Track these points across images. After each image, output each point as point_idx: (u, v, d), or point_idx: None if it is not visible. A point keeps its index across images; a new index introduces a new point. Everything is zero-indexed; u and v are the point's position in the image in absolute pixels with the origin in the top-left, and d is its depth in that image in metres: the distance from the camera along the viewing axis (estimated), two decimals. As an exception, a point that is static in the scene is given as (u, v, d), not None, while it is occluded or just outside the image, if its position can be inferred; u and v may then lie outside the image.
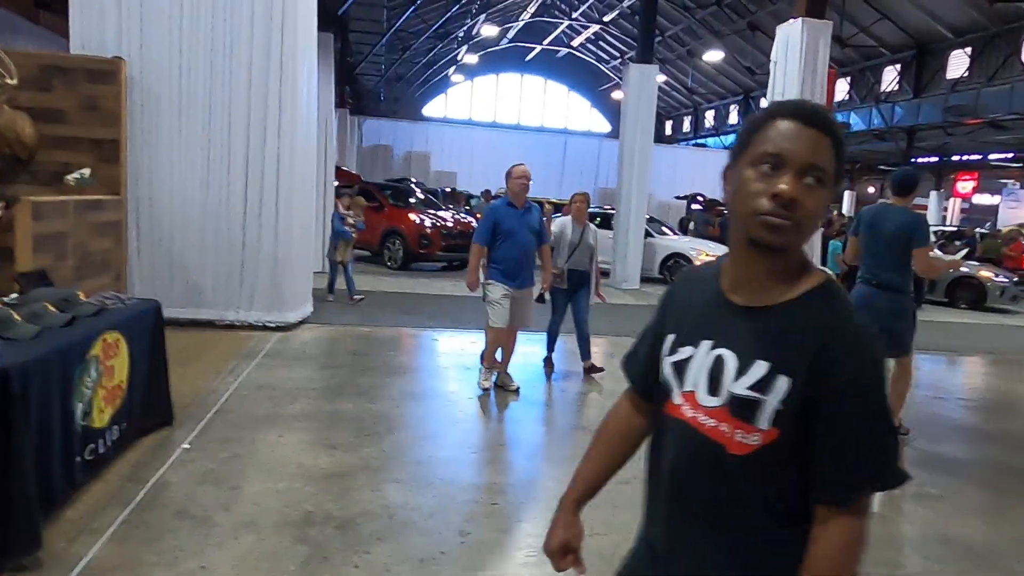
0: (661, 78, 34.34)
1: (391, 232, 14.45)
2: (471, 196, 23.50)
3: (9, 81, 6.47)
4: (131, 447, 4.23)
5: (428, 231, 14.30)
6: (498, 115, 43.01)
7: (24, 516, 2.87)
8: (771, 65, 8.84)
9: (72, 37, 7.30)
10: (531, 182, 5.98)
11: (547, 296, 6.60)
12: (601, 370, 6.78)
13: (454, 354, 7.44)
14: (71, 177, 6.99)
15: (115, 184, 7.21)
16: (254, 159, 7.58)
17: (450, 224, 15.01)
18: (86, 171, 7.07)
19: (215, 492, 3.77)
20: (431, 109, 42.41)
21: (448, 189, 25.21)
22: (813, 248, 8.70)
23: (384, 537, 3.42)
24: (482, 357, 6.32)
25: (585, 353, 6.84)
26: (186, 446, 4.36)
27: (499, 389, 6.08)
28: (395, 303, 10.19)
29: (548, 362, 6.99)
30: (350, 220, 9.98)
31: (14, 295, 4.04)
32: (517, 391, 6.04)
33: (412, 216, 14.54)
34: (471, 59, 34.74)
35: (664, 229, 16.78)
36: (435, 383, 6.24)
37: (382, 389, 5.90)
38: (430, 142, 32.98)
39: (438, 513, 3.71)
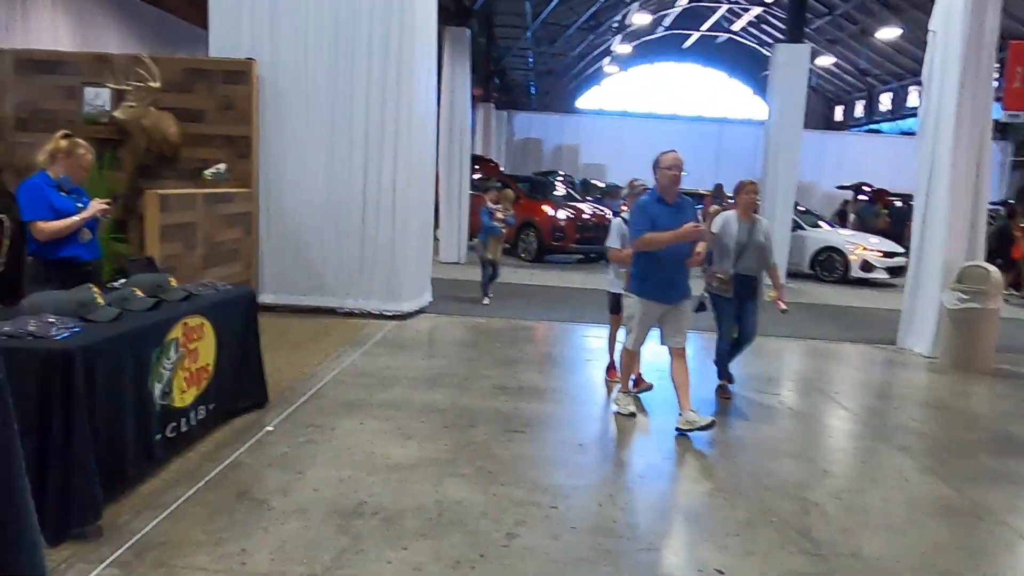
0: (829, 60, 32.13)
1: (525, 224, 14.44)
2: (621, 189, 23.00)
3: (153, 84, 7.04)
4: (219, 427, 4.43)
5: (562, 223, 14.16)
6: (653, 105, 41.99)
7: (84, 488, 3.04)
8: (928, 36, 7.86)
9: (212, 41, 7.84)
10: (684, 172, 4.90)
11: (707, 304, 5.70)
12: (727, 396, 5.73)
13: (565, 349, 7.26)
14: (208, 172, 7.51)
15: (247, 178, 7.67)
16: (372, 154, 7.79)
17: (587, 216, 14.78)
18: (222, 166, 7.57)
19: (280, 476, 3.85)
20: (584, 101, 42.15)
21: (598, 182, 24.79)
22: None
23: (427, 534, 3.32)
24: (608, 369, 6.02)
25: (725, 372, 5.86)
26: (270, 429, 4.51)
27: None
28: (519, 295, 10.14)
29: (722, 391, 5.82)
30: (499, 215, 9.44)
31: (122, 280, 4.35)
32: (711, 425, 4.73)
33: (546, 208, 14.45)
34: (624, 49, 34.13)
35: (820, 222, 15.61)
36: (534, 377, 6.09)
37: (476, 381, 5.83)
38: (580, 134, 32.80)
39: (491, 513, 3.56)
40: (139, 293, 3.91)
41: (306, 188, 7.88)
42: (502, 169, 19.25)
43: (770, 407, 5.66)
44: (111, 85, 7.22)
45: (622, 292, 5.37)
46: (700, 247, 4.86)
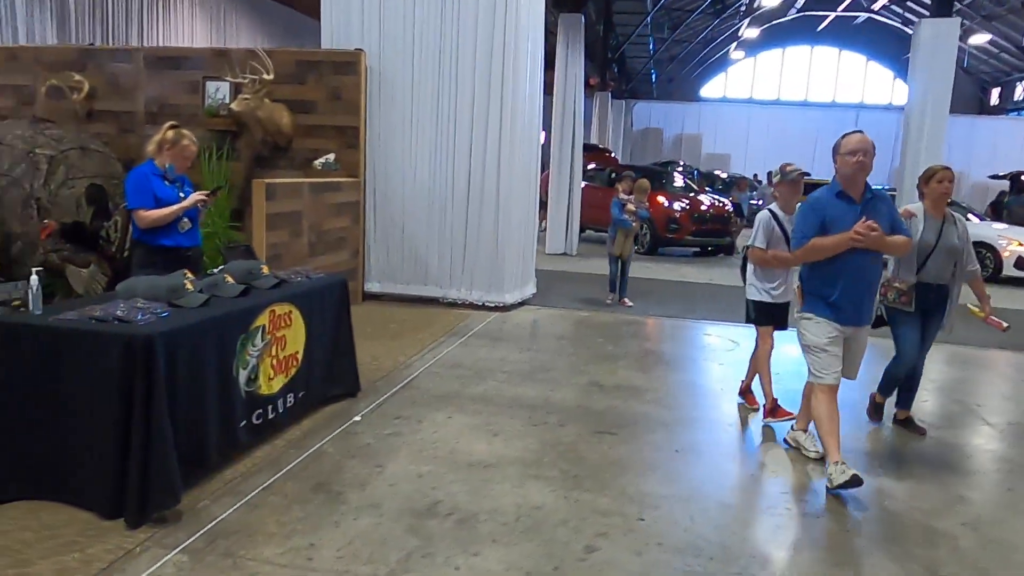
0: (984, 37, 29.32)
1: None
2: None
3: (266, 77, 7.23)
4: (309, 415, 4.43)
5: (677, 215, 13.62)
6: (783, 92, 39.88)
7: (162, 473, 3.06)
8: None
9: (323, 32, 7.97)
10: (871, 159, 3.74)
11: (884, 319, 4.64)
12: (921, 432, 4.78)
13: (671, 346, 6.88)
14: (318, 162, 7.66)
15: (355, 168, 7.76)
16: (476, 143, 7.68)
17: (704, 207, 14.15)
18: (331, 156, 7.70)
19: (359, 468, 3.78)
20: (709, 90, 40.60)
21: (720, 172, 23.78)
22: None
23: (501, 540, 3.13)
24: (744, 393, 5.17)
25: (906, 400, 4.90)
26: (357, 419, 4.47)
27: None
28: (635, 288, 9.77)
29: (908, 424, 4.86)
30: (631, 206, 8.52)
31: (221, 266, 4.43)
32: (856, 482, 3.65)
33: (661, 199, 13.92)
34: (752, 33, 32.57)
35: (969, 215, 14.23)
36: (633, 376, 5.78)
37: (572, 377, 5.60)
38: (702, 123, 31.79)
39: (571, 521, 3.33)
40: (229, 280, 3.94)
41: (411, 177, 7.89)
42: (617, 159, 18.76)
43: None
44: (229, 79, 7.48)
45: (770, 300, 4.77)
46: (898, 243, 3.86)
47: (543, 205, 16.03)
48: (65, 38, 12.19)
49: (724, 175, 23.50)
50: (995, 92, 36.17)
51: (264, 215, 6.05)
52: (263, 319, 3.89)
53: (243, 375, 3.75)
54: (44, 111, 7.93)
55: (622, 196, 8.62)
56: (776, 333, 4.93)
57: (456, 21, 7.60)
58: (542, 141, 8.95)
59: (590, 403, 5.03)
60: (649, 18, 20.24)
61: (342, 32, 7.86)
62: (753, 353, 5.09)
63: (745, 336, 7.46)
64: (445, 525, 3.24)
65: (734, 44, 36.40)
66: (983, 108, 35.65)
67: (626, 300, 8.59)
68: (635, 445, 4.33)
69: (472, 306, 7.87)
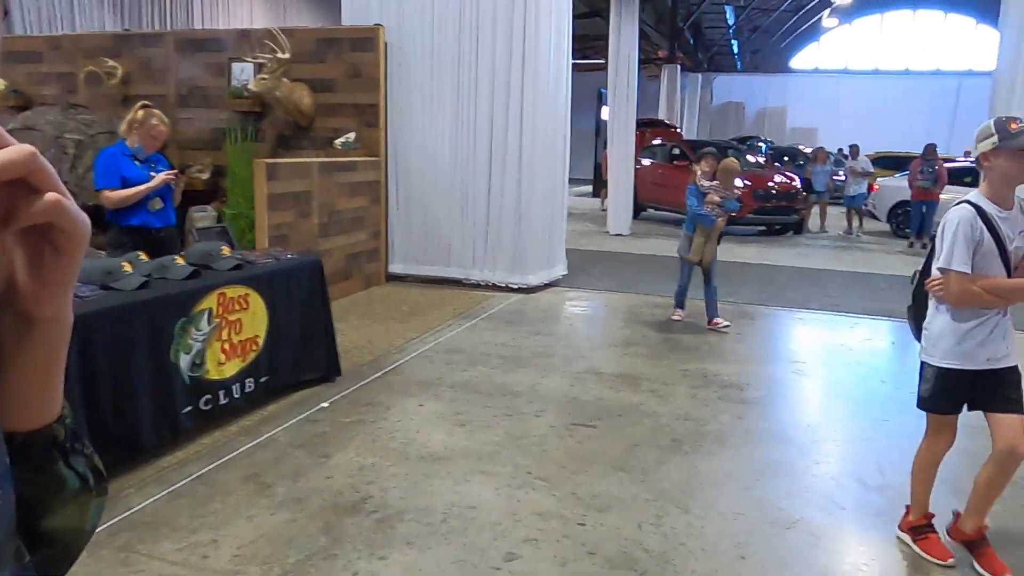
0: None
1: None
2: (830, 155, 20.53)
3: (281, 56, 7.14)
4: (275, 400, 4.31)
5: (738, 192, 12.86)
6: (881, 61, 37.44)
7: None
8: None
9: (344, 8, 7.82)
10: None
11: None
12: None
13: (695, 332, 6.40)
14: (338, 142, 7.55)
15: (375, 146, 7.61)
16: (497, 120, 7.39)
17: (770, 185, 13.35)
18: (351, 135, 7.57)
19: (303, 458, 3.61)
20: (800, 60, 38.54)
21: (803, 147, 22.44)
22: None
23: (417, 542, 2.89)
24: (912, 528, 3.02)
25: None
26: (324, 405, 4.31)
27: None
28: (671, 269, 9.26)
29: None
30: (714, 196, 6.27)
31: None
32: None
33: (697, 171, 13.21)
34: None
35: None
36: (637, 363, 5.39)
37: (571, 363, 5.28)
38: (787, 96, 30.24)
39: (503, 523, 3.05)
40: (180, 262, 3.83)
41: (432, 156, 7.68)
42: (681, 134, 18.01)
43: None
44: (249, 59, 7.45)
45: (972, 367, 2.71)
46: None
47: (604, 184, 15.61)
48: (121, 24, 12.55)
49: (808, 150, 22.18)
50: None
51: (265, 195, 5.96)
52: (208, 302, 3.76)
53: (185, 360, 3.64)
54: (85, 98, 8.15)
55: (702, 182, 6.29)
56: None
57: (475, -9, 7.31)
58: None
59: (579, 392, 4.70)
60: (722, -15, 19.19)
61: (361, 8, 7.69)
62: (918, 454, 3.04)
63: (774, 322, 6.90)
64: (364, 524, 3.02)
65: (827, 11, 34.36)
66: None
67: (719, 321, 6.36)
68: (610, 440, 3.98)
69: (495, 287, 7.62)
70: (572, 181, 24.42)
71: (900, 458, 3.86)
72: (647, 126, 17.02)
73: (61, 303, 0.52)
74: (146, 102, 4.61)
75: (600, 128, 18.76)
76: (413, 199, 7.80)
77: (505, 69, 7.30)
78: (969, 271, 2.58)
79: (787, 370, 5.37)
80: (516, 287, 7.58)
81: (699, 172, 6.41)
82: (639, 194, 15.05)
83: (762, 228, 13.59)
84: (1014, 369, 2.73)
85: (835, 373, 5.42)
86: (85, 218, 0.50)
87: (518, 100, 7.30)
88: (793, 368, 5.42)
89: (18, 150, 0.46)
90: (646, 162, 14.97)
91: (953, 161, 14.76)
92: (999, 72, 10.82)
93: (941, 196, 12.07)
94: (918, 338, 2.92)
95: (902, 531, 3.03)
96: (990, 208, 2.60)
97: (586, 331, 6.38)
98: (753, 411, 4.48)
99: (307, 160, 6.78)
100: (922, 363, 2.84)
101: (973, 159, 2.69)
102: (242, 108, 7.74)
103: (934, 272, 2.74)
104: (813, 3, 33.96)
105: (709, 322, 6.39)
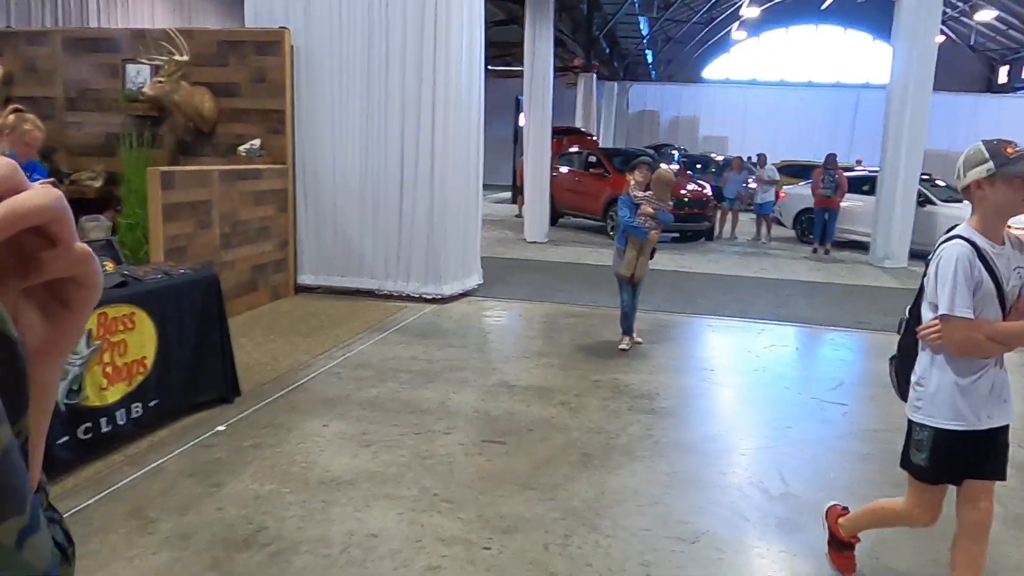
0: (991, 14, 28.43)
1: (614, 200, 13.46)
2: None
3: (179, 57, 6.81)
4: (166, 425, 4.05)
5: (651, 199, 13.09)
6: (787, 73, 39.04)
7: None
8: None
9: (247, 10, 7.54)
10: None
11: None
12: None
13: (606, 339, 6.42)
14: (242, 148, 7.25)
15: (281, 153, 7.34)
16: (408, 127, 7.25)
17: (683, 192, 13.63)
18: (256, 142, 7.29)
19: (193, 488, 3.39)
20: (712, 71, 39.76)
21: (717, 156, 23.02)
22: None
23: (312, 577, 2.74)
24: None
25: None
26: (220, 428, 4.08)
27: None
28: (589, 277, 9.35)
29: None
30: (648, 208, 5.81)
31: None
32: None
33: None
34: (753, 12, 31.80)
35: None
36: (551, 375, 5.36)
37: (483, 377, 5.19)
38: (699, 105, 31.11)
39: (404, 552, 2.93)
40: (55, 279, 3.54)
41: (342, 164, 7.47)
42: (597, 141, 18.24)
43: (831, 419, 4.64)
44: (144, 61, 7.07)
45: (968, 428, 2.35)
46: None
47: (520, 191, 15.63)
48: (6, 21, 11.78)
49: (720, 158, 22.85)
50: (1003, 70, 35.20)
51: (160, 205, 5.65)
52: (87, 323, 3.49)
53: (60, 386, 3.36)
54: (-36, 98, 7.56)
55: (635, 193, 5.85)
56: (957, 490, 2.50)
57: (385, -1, 7.16)
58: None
59: (490, 407, 4.62)
60: (636, -4, 19.58)
61: (265, 9, 7.42)
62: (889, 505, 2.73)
63: (685, 330, 7.01)
64: (255, 559, 2.85)
65: (736, 24, 35.61)
66: (991, 87, 34.73)
67: (630, 337, 6.12)
68: (519, 457, 3.91)
69: (408, 298, 7.47)
70: (491, 187, 24.47)
71: (801, 466, 3.95)
72: (564, 133, 17.14)
73: (59, 367, 0.47)
74: (18, 106, 4.27)
75: (519, 134, 18.80)
76: (323, 208, 7.57)
77: (416, 77, 7.18)
78: (972, 316, 2.24)
79: (696, 378, 5.43)
80: (430, 298, 7.46)
81: (632, 182, 5.96)
82: (556, 201, 15.15)
83: (675, 235, 13.88)
84: (1006, 429, 2.42)
85: (742, 380, 5.52)
86: (101, 274, 0.45)
87: (430, 108, 7.18)
88: (702, 376, 5.49)
89: (46, 194, 0.40)
90: (564, 169, 15.08)
91: (851, 170, 15.49)
92: (892, 85, 11.43)
93: (842, 204, 12.65)
94: (902, 395, 2.57)
95: (827, 519, 2.95)
96: (983, 243, 2.29)
97: (500, 342, 6.32)
98: (662, 422, 4.50)
99: (206, 168, 6.47)
100: (913, 424, 2.45)
101: (959, 188, 2.37)
102: (138, 112, 7.34)
103: (926, 317, 2.39)
104: (723, 16, 35.18)
105: (624, 337, 6.15)
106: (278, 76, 7.23)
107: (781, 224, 14.79)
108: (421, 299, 7.45)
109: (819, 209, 12.73)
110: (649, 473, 3.77)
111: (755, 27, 36.75)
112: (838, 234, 12.97)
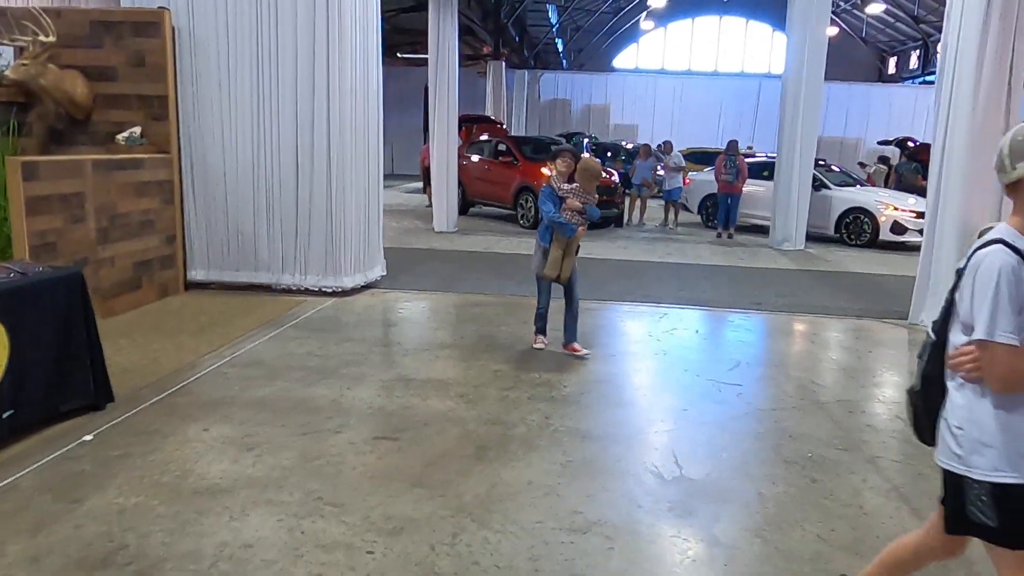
0: (879, 8, 29.84)
1: (524, 188, 13.47)
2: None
3: (44, 39, 6.31)
4: (24, 437, 3.72)
5: (562, 187, 13.10)
6: (693, 63, 40.04)
7: None
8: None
9: (123, -12, 7.06)
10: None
11: None
12: None
13: (516, 329, 6.33)
14: (121, 136, 6.80)
15: (164, 141, 6.93)
16: (303, 114, 6.96)
17: (591, 179, 13.70)
18: (136, 130, 6.85)
19: (49, 506, 3.11)
20: (622, 60, 40.33)
21: (628, 144, 23.29)
22: None
23: (175, 597, 2.54)
24: None
25: None
26: (87, 438, 3.78)
27: None
28: (494, 266, 9.26)
29: None
30: (574, 202, 5.31)
31: None
32: None
33: (546, 171, 13.40)
34: (659, 3, 32.35)
35: (853, 179, 14.28)
36: (450, 367, 5.24)
37: (381, 371, 5.02)
38: (610, 95, 31.42)
39: (282, 561, 2.75)
40: None
41: (233, 152, 7.11)
42: (507, 129, 18.17)
43: (726, 399, 4.70)
44: (6, 42, 6.51)
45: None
46: None
47: (428, 181, 15.39)
48: None
49: (630, 145, 23.17)
50: (892, 61, 37.11)
51: (22, 199, 5.20)
52: (-80, 328, 3.15)
53: None
54: None
55: (561, 185, 5.35)
56: None
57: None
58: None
59: (386, 402, 4.46)
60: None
61: (144, -13, 6.97)
62: None
63: (591, 317, 6.99)
64: (114, 580, 2.62)
65: (644, 14, 36.19)
66: (881, 76, 36.54)
67: (576, 346, 5.52)
68: (412, 453, 3.77)
69: (308, 292, 7.19)
70: (402, 177, 24.06)
71: (695, 448, 3.96)
72: (473, 122, 16.98)
73: None
74: None
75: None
76: (213, 200, 7.19)
77: (309, 62, 6.88)
78: (1017, 343, 1.80)
79: (598, 364, 5.41)
80: (330, 291, 7.20)
81: (554, 173, 5.41)
82: (467, 190, 15.00)
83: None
84: None
85: (642, 365, 5.54)
86: None
87: (324, 95, 6.90)
88: (603, 362, 5.47)
89: None
90: (475, 158, 14.92)
91: (752, 156, 15.96)
92: (787, 75, 11.78)
93: (744, 189, 13.02)
94: (923, 435, 2.13)
95: None
96: None
97: (401, 335, 6.15)
98: (561, 410, 4.45)
99: (77, 157, 6.02)
100: (955, 477, 1.95)
101: (1005, 183, 1.91)
102: (1, 98, 6.76)
103: (956, 341, 1.95)
104: (630, 6, 35.68)
105: (565, 345, 5.54)
106: (159, 59, 6.81)
107: (688, 210, 15.09)
108: (321, 293, 7.19)
109: (722, 195, 13.06)
110: (544, 463, 3.70)
111: (662, 18, 37.49)
112: (741, 218, 13.34)
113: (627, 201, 14.76)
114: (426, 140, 15.72)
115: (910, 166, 16.48)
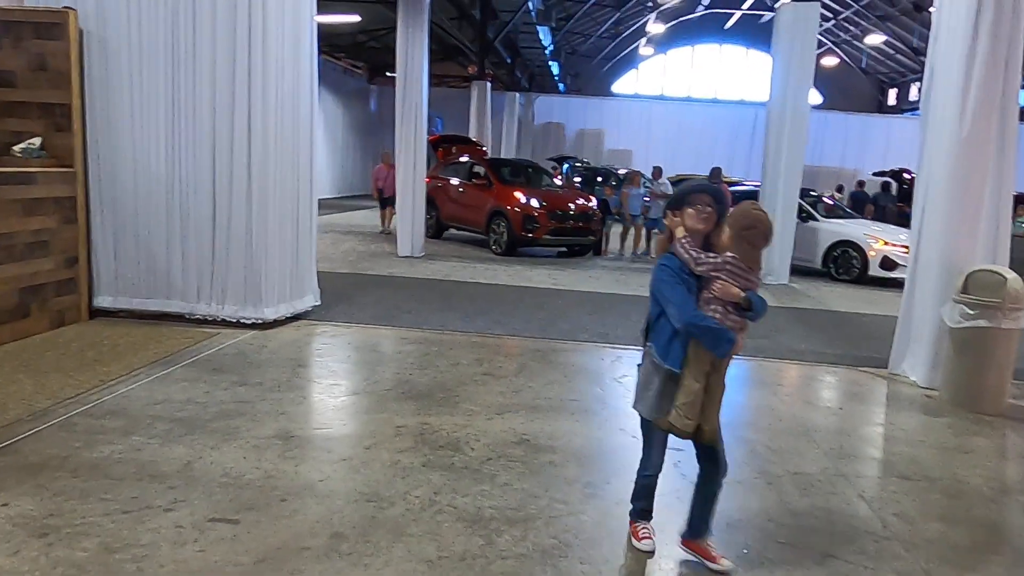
0: (879, 39, 29.45)
1: (496, 213, 12.83)
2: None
3: (-75, 37, 5.67)
4: None
5: (535, 212, 12.47)
6: (692, 89, 39.74)
7: None
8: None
9: (26, -14, 6.45)
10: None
11: None
12: None
13: (444, 373, 5.61)
14: (18, 148, 6.18)
15: (68, 155, 6.28)
16: (221, 127, 6.33)
17: (566, 205, 13.05)
18: (35, 141, 6.23)
19: None
20: (621, 86, 39.98)
21: (620, 169, 22.70)
22: None
23: None
24: None
25: None
26: None
27: None
28: (445, 295, 8.57)
29: None
30: (729, 287, 2.87)
31: None
32: None
33: (519, 195, 12.78)
34: (658, 29, 31.99)
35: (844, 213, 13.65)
36: (343, 417, 4.53)
37: (261, 425, 4.30)
38: (604, 119, 30.96)
39: None
40: None
41: (145, 168, 6.46)
42: (487, 151, 17.58)
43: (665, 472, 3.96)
44: None
45: None
46: None
47: (385, 202, 14.76)
48: None
49: (622, 171, 22.58)
50: (892, 93, 36.68)
51: None
52: None
53: None
54: None
55: (697, 255, 2.93)
56: None
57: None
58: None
59: (247, 468, 3.73)
60: (530, 5, 19.04)
61: (48, -15, 6.36)
62: None
63: (531, 359, 6.22)
64: None
65: (643, 40, 35.83)
66: (881, 108, 36.09)
67: (710, 547, 3.16)
68: (247, 541, 3.03)
69: (225, 323, 6.50)
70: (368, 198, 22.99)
71: (599, 541, 3.22)
72: (452, 142, 16.39)
73: None
74: None
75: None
76: (122, 219, 6.53)
77: (228, 71, 6.26)
78: None
79: (521, 422, 4.67)
80: (250, 323, 6.51)
81: (681, 231, 2.99)
82: (441, 213, 14.40)
83: (562, 249, 13.31)
84: None
85: (573, 422, 4.79)
86: None
87: (245, 107, 6.27)
88: (526, 419, 4.73)
89: None
90: (453, 181, 14.29)
91: (740, 185, 15.33)
92: (771, 102, 11.17)
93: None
94: None
95: None
96: None
97: (307, 377, 5.43)
98: (456, 482, 3.71)
99: (-56, 170, 5.37)
100: None
101: None
102: None
103: None
104: (629, 31, 35.38)
105: (686, 541, 3.22)
106: (62, 64, 6.18)
107: (671, 239, 14.41)
108: (239, 324, 6.50)
109: (704, 224, 12.39)
110: (408, 562, 2.97)
111: (662, 44, 37.19)
112: (724, 250, 12.66)
113: (622, 229, 14.23)
114: (383, 160, 15.10)
115: (888, 196, 15.93)
